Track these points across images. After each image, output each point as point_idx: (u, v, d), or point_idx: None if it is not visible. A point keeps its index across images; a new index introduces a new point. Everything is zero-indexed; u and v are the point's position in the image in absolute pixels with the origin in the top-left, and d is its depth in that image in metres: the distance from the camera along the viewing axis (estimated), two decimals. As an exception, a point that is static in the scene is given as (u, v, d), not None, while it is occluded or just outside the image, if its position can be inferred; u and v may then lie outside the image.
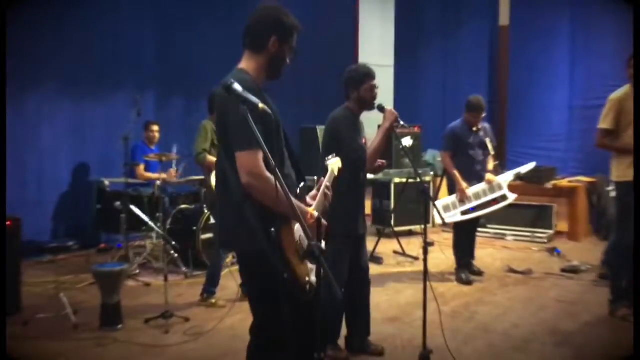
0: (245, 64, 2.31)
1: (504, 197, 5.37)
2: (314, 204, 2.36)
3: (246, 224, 2.13)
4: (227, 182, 2.22)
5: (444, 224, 5.21)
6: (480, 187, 5.35)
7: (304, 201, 2.34)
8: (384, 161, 3.69)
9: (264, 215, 2.13)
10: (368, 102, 3.50)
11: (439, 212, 5.06)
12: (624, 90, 4.17)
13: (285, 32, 2.29)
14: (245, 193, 2.13)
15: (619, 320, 4.21)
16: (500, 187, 5.38)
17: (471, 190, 5.31)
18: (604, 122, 4.20)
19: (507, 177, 5.54)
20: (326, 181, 2.48)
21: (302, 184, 2.38)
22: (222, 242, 2.39)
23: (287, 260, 2.13)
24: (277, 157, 2.20)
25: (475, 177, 5.37)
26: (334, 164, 2.64)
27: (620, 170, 4.15)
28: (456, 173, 5.31)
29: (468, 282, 5.29)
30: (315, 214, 2.23)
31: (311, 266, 2.25)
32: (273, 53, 2.28)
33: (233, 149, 2.15)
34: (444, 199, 5.45)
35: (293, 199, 2.09)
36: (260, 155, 2.10)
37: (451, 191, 5.50)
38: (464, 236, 5.54)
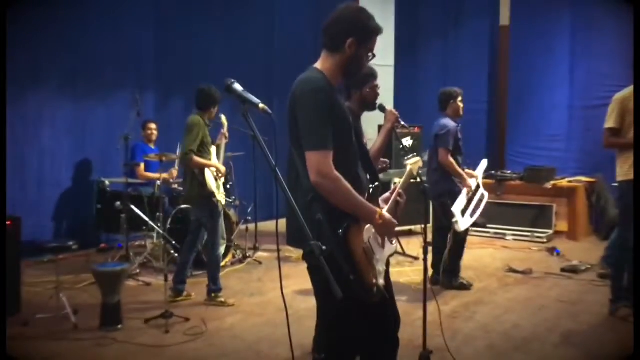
0: (321, 63, 2.26)
1: (483, 196, 4.99)
2: (386, 207, 2.32)
3: (314, 223, 2.10)
4: (300, 181, 2.20)
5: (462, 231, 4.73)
6: (473, 184, 4.97)
7: (375, 202, 2.31)
8: (386, 161, 3.67)
9: (333, 215, 2.11)
10: (370, 103, 3.47)
11: (462, 217, 4.56)
12: (628, 90, 4.17)
13: (363, 33, 2.22)
14: (315, 192, 2.11)
15: (619, 320, 4.21)
16: (478, 186, 4.97)
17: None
18: (609, 122, 4.20)
19: (480, 175, 5.11)
20: (400, 186, 2.40)
21: (376, 184, 2.35)
22: (290, 240, 2.33)
23: (354, 261, 2.11)
24: (349, 157, 2.21)
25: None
26: (414, 163, 2.50)
27: (624, 169, 4.13)
28: (461, 171, 4.93)
29: (467, 286, 5.12)
30: (386, 215, 2.21)
31: (380, 269, 2.23)
32: (349, 54, 2.22)
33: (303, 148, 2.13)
34: (458, 203, 4.84)
35: (362, 199, 2.12)
36: (330, 155, 2.09)
37: None
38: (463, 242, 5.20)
